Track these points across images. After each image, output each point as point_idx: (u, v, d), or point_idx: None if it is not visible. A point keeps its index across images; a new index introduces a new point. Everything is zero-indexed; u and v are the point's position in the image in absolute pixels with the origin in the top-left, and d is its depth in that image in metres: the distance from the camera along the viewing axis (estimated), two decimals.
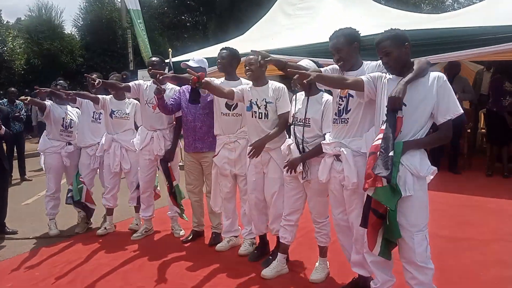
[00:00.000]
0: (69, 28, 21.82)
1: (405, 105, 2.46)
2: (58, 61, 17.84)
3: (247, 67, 3.57)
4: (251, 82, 3.74)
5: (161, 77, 3.90)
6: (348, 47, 2.84)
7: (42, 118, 5.01)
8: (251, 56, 3.55)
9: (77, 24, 20.56)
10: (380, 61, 2.77)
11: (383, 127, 2.48)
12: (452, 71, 6.97)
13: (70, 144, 4.92)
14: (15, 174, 8.41)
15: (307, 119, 3.22)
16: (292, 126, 3.34)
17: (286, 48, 7.35)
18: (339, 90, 2.92)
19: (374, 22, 7.21)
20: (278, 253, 3.57)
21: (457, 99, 2.56)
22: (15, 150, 8.51)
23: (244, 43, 8.26)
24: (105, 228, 4.78)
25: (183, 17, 26.20)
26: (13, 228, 5.03)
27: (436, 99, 2.48)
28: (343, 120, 2.89)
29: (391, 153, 2.38)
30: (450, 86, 2.52)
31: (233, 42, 8.68)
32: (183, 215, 4.66)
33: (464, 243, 4.07)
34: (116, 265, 3.92)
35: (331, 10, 8.78)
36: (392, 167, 2.37)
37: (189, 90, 4.14)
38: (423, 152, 2.57)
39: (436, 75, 2.51)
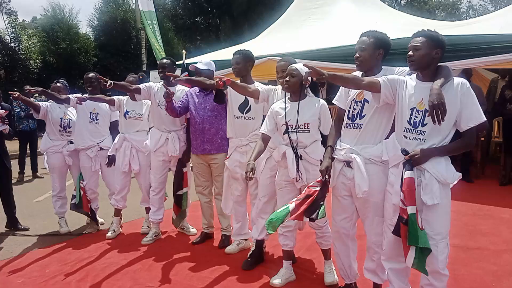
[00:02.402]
0: (84, 28, 22.04)
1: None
2: (74, 61, 18.04)
3: (279, 74, 3.51)
4: (263, 85, 3.74)
5: (174, 80, 3.90)
6: (372, 50, 2.77)
7: (40, 117, 4.89)
8: (282, 63, 3.51)
9: (92, 24, 20.81)
10: (400, 68, 2.78)
11: None
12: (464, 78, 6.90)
13: (71, 142, 4.88)
14: (27, 171, 8.51)
15: (306, 124, 3.21)
16: (286, 134, 3.27)
17: (300, 52, 7.34)
18: (354, 94, 2.88)
19: (389, 27, 7.19)
20: (284, 261, 3.54)
21: None
22: (28, 147, 8.62)
23: (258, 45, 8.28)
24: (113, 230, 4.74)
25: (197, 19, 26.34)
26: (24, 225, 5.08)
27: (459, 106, 2.45)
28: (356, 125, 2.84)
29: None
30: (474, 93, 2.48)
31: (247, 45, 8.70)
32: (179, 222, 4.68)
33: (476, 253, 4.02)
34: (126, 264, 3.94)
35: (346, 14, 8.77)
36: None
37: (200, 91, 4.22)
38: (448, 159, 2.54)
39: (459, 81, 2.47)
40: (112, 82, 4.02)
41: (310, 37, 8.30)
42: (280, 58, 3.70)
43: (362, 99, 2.83)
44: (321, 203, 2.83)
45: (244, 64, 3.92)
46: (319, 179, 2.88)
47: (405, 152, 2.50)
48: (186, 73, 7.60)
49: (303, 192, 2.92)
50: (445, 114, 2.35)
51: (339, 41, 7.12)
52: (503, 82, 7.72)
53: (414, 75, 2.64)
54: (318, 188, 2.84)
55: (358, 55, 2.81)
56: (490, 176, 7.17)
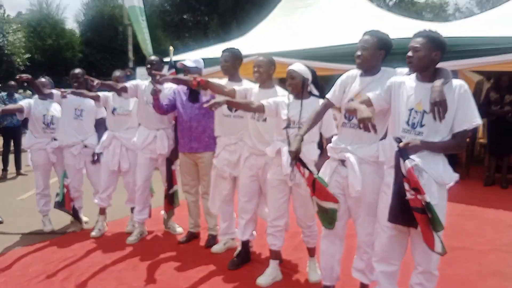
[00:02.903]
0: (70, 24, 21.76)
1: (427, 113, 2.45)
2: (59, 57, 17.82)
3: (255, 69, 3.54)
4: (253, 84, 3.72)
5: (160, 79, 3.86)
6: (374, 50, 2.76)
7: (25, 116, 4.81)
8: (260, 58, 3.55)
9: (78, 20, 20.59)
10: (399, 69, 2.79)
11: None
12: None
13: (55, 140, 4.79)
14: (11, 168, 8.37)
15: None
16: (285, 129, 3.26)
17: (288, 51, 7.33)
18: (352, 94, 2.86)
19: (377, 27, 7.21)
20: (271, 260, 3.53)
21: None
22: (12, 144, 8.48)
23: (246, 44, 8.25)
24: (99, 229, 4.68)
25: (185, 16, 26.20)
26: (8, 222, 4.99)
27: (456, 107, 2.44)
28: (353, 125, 2.84)
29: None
30: (471, 95, 2.48)
31: (235, 43, 8.67)
32: (168, 222, 4.70)
33: (461, 253, 4.05)
34: (110, 264, 3.89)
35: (334, 14, 8.79)
36: None
37: (188, 90, 4.16)
38: (445, 159, 2.53)
39: (458, 83, 2.47)
40: (99, 81, 3.97)
41: (299, 36, 8.30)
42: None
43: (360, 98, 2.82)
44: (317, 176, 2.87)
45: (233, 62, 3.90)
46: (292, 163, 2.98)
47: (398, 140, 2.48)
48: (174, 70, 7.53)
49: (305, 184, 2.95)
50: (446, 111, 2.35)
51: (329, 41, 7.13)
52: (488, 84, 7.83)
53: (413, 75, 2.62)
54: (307, 170, 2.88)
55: (359, 53, 2.79)
56: (474, 177, 7.26)
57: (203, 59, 4.55)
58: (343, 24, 7.81)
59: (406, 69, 2.76)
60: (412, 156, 2.42)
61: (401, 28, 7.03)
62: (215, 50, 8.51)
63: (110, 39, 19.16)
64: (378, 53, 2.77)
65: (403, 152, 2.43)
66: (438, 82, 2.41)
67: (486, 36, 5.80)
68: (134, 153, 4.57)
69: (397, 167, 2.46)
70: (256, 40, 9.08)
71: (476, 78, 8.73)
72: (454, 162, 6.87)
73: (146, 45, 11.14)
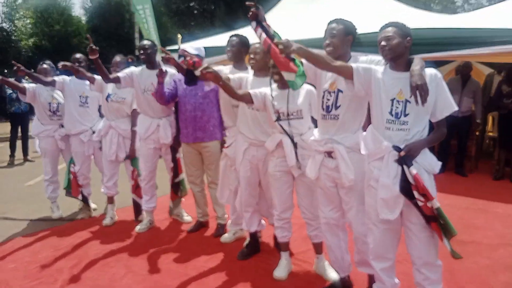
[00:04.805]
0: (76, 11, 21.74)
1: (410, 102, 2.43)
2: (67, 44, 17.77)
3: (251, 56, 3.48)
4: (241, 73, 3.66)
5: (166, 57, 3.71)
6: (343, 36, 2.76)
7: (27, 100, 4.73)
8: (256, 45, 3.48)
9: (85, 6, 20.50)
10: (371, 56, 2.75)
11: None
12: (465, 72, 6.93)
13: (63, 126, 4.79)
14: (18, 154, 8.38)
15: (299, 111, 3.17)
16: (277, 122, 3.19)
17: (297, 40, 7.25)
18: (327, 85, 2.82)
19: (386, 19, 7.11)
20: (282, 252, 3.50)
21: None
22: (19, 130, 8.48)
23: (253, 33, 8.17)
24: (110, 217, 4.67)
25: (191, 4, 26.00)
26: (15, 209, 4.99)
27: (434, 96, 2.45)
28: (333, 116, 2.79)
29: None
30: (445, 83, 2.49)
31: (242, 32, 8.58)
32: (174, 210, 4.72)
33: (471, 247, 4.02)
34: (119, 251, 3.90)
35: (344, 2, 8.70)
36: None
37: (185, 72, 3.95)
38: (427, 148, 2.55)
39: (432, 72, 2.47)
40: (98, 53, 3.78)
41: (307, 25, 8.20)
42: None
43: (336, 90, 2.78)
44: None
45: (239, 48, 3.80)
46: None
47: (398, 149, 2.44)
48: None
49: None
50: (428, 94, 2.32)
51: None
52: (499, 77, 7.73)
53: (386, 66, 2.58)
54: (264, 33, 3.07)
55: (329, 41, 2.78)
56: (483, 170, 7.21)
57: (209, 47, 4.45)
58: (353, 13, 7.68)
59: (376, 58, 2.71)
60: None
61: (412, 18, 6.96)
62: (221, 39, 8.41)
63: (117, 27, 19.06)
64: (347, 39, 2.78)
65: (407, 159, 2.41)
66: (417, 66, 2.41)
67: (497, 27, 5.69)
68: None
69: (403, 176, 2.42)
70: None
71: (487, 71, 8.65)
72: (463, 156, 6.91)
73: (149, 34, 11.07)
